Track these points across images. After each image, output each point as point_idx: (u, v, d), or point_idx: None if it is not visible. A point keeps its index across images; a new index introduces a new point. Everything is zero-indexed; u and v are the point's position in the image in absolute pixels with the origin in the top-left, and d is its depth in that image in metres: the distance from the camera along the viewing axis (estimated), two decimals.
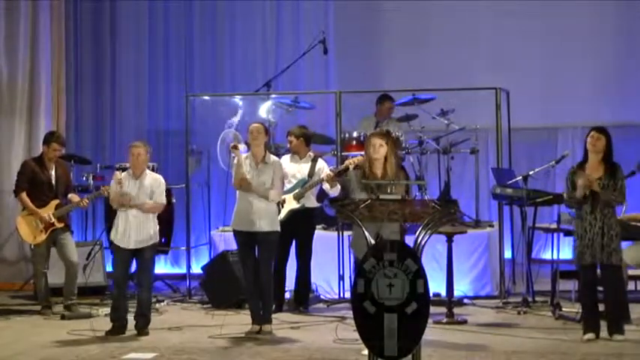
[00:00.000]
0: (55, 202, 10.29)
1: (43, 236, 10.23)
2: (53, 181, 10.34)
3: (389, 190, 7.75)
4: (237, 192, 9.14)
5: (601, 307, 8.52)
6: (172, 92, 13.21)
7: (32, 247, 10.45)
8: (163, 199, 9.23)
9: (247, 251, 9.03)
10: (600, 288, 8.56)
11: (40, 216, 10.19)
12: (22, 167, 10.57)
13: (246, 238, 9.00)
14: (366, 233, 7.12)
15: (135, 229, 9.00)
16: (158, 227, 9.17)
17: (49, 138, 10.43)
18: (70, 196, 10.36)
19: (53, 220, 10.19)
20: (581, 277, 8.57)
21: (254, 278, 8.97)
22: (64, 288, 10.25)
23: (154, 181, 9.17)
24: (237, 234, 9.08)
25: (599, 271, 8.48)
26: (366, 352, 7.09)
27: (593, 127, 8.60)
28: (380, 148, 8.18)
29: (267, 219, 8.97)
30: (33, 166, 10.38)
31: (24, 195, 10.29)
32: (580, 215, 8.45)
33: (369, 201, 7.23)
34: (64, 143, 10.67)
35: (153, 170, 10.69)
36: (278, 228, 9.09)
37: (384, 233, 7.31)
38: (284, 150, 11.07)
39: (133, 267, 9.29)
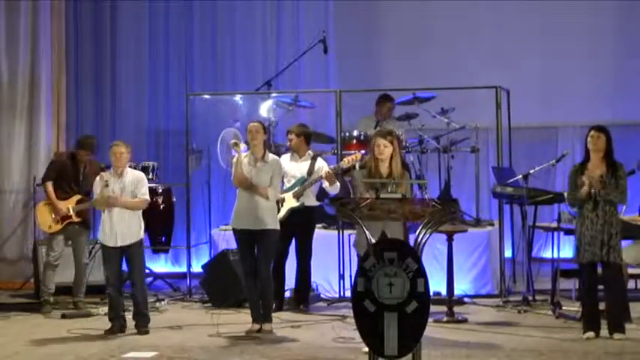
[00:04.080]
0: (78, 197, 10.39)
1: (59, 226, 10.35)
2: (81, 178, 10.44)
3: (392, 189, 7.75)
4: (237, 190, 9.15)
5: (601, 306, 8.53)
6: (172, 91, 13.20)
7: (46, 236, 10.58)
8: (147, 196, 9.30)
9: (247, 250, 9.04)
10: (601, 287, 8.56)
11: (57, 208, 10.28)
12: (53, 159, 10.86)
13: (246, 237, 9.01)
14: (366, 232, 7.12)
15: (120, 226, 9.04)
16: (143, 223, 9.23)
17: (82, 142, 10.53)
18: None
19: (71, 213, 10.28)
20: (582, 275, 8.58)
21: (254, 277, 8.99)
22: (73, 286, 10.40)
23: (136, 178, 9.23)
24: (237, 233, 9.09)
25: (599, 269, 8.50)
26: (366, 349, 7.09)
27: (592, 126, 8.63)
28: (385, 149, 8.20)
29: (266, 218, 8.97)
30: (65, 159, 10.57)
31: (49, 185, 10.43)
32: (582, 213, 8.46)
33: (369, 200, 7.23)
34: (93, 150, 10.63)
35: (153, 170, 10.75)
36: (277, 227, 9.10)
37: (388, 232, 7.31)
38: (284, 149, 11.08)
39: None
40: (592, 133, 8.52)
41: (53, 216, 10.35)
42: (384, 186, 7.84)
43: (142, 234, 9.20)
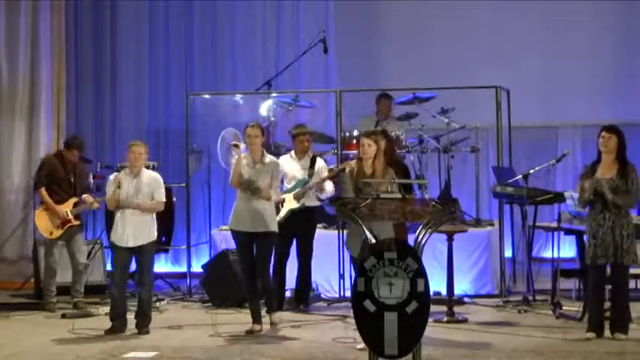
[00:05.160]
0: (74, 199, 10.43)
1: (60, 232, 10.39)
2: (72, 180, 10.45)
3: (382, 189, 7.77)
4: (237, 192, 9.15)
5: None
6: (173, 91, 13.20)
7: (47, 241, 10.56)
8: (163, 198, 9.27)
9: (245, 251, 9.06)
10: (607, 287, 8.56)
11: (56, 212, 10.29)
12: (42, 162, 10.79)
13: (245, 238, 9.02)
14: (367, 232, 7.13)
15: (133, 227, 9.02)
16: (156, 225, 9.19)
17: (71, 143, 10.57)
18: (84, 196, 10.47)
19: (70, 217, 10.29)
20: (590, 276, 8.52)
21: (253, 278, 9.00)
22: (71, 286, 10.43)
23: (153, 180, 9.20)
24: (236, 234, 9.10)
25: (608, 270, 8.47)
26: (360, 345, 7.10)
27: (604, 126, 8.51)
28: (368, 148, 8.28)
29: (265, 219, 8.98)
30: (53, 162, 10.57)
31: (43, 190, 10.47)
32: (590, 215, 8.40)
33: (369, 200, 7.23)
34: (82, 150, 10.72)
35: (154, 169, 10.74)
36: (276, 228, 9.10)
37: (377, 232, 7.30)
38: (284, 149, 11.08)
39: (133, 266, 9.30)
40: (603, 133, 8.39)
41: (52, 220, 10.36)
42: (368, 185, 7.89)
43: (154, 235, 9.16)
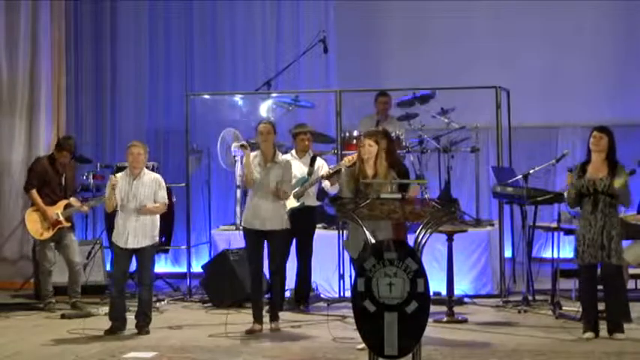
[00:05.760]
0: (64, 202, 10.42)
1: (50, 233, 10.37)
2: (63, 182, 10.48)
3: (382, 189, 7.77)
4: (249, 190, 9.17)
5: (601, 306, 8.53)
6: (173, 91, 13.21)
7: (38, 243, 10.55)
8: (166, 199, 9.25)
9: (255, 250, 9.06)
10: (600, 287, 8.57)
11: (46, 215, 10.28)
12: (33, 164, 10.78)
13: (256, 237, 9.03)
14: (366, 232, 7.13)
15: (134, 228, 9.00)
16: (159, 225, 9.18)
17: (63, 144, 10.57)
18: (71, 199, 10.47)
19: (61, 218, 10.28)
20: (581, 276, 8.58)
21: (260, 277, 9.01)
22: (68, 287, 10.40)
23: (154, 181, 9.17)
24: (247, 232, 9.10)
25: (599, 270, 8.51)
26: (360, 345, 7.09)
27: (595, 126, 8.61)
28: (370, 149, 8.25)
29: (277, 218, 9.02)
30: (45, 164, 10.55)
31: (34, 192, 10.46)
32: (582, 215, 8.48)
33: (369, 200, 7.24)
34: (74, 152, 10.73)
35: (153, 169, 10.77)
36: (288, 225, 9.12)
37: (379, 233, 7.31)
38: (284, 149, 11.08)
39: (133, 266, 9.30)
40: (594, 133, 8.49)
41: (42, 221, 10.36)
42: (368, 186, 7.89)
43: (155, 237, 9.13)
